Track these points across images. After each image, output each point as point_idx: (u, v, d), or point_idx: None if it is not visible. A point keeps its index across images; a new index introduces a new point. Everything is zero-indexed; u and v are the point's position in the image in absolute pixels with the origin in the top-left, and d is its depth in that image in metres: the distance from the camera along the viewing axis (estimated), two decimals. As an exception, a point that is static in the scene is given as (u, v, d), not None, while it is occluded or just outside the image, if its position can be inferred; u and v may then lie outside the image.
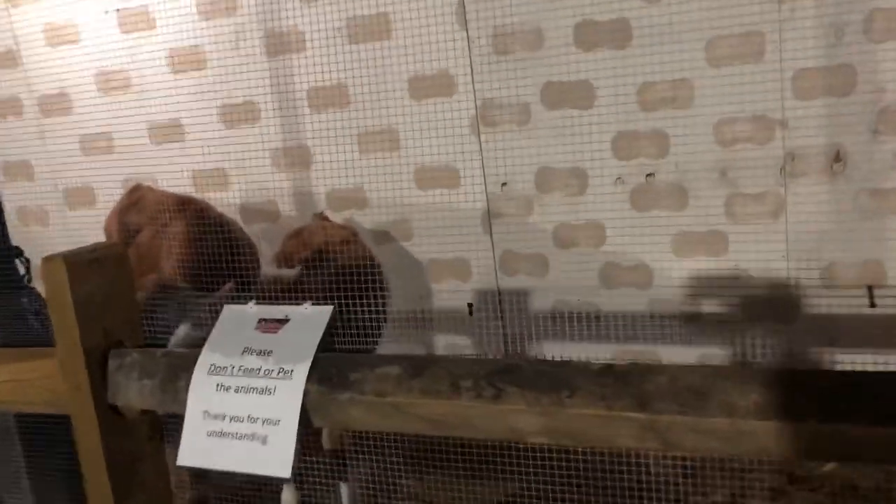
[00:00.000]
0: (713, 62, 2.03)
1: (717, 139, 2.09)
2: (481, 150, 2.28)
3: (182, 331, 1.63)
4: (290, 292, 1.79)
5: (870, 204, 2.01)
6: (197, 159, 2.53)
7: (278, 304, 0.92)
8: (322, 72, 2.27)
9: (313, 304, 0.91)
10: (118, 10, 2.55)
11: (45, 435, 1.14)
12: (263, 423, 0.84)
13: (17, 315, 1.12)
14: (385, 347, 2.18)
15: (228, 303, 1.00)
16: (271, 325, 0.90)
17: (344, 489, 1.83)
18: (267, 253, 2.22)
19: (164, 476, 1.03)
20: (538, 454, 1.31)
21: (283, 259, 1.87)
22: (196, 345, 0.98)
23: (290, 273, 1.76)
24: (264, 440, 0.84)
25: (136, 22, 2.54)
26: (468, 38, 2.20)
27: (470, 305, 2.18)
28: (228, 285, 1.69)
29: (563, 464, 1.24)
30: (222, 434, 0.86)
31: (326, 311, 0.89)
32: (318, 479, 1.69)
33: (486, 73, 2.20)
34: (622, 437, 0.73)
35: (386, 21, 2.26)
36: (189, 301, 1.47)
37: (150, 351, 0.96)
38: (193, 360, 0.92)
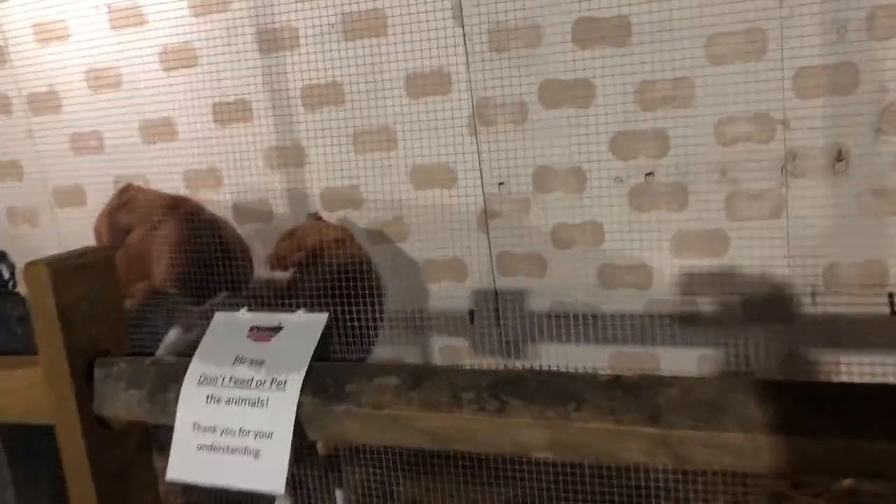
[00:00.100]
0: (714, 60, 2.00)
1: (717, 138, 2.06)
2: (478, 149, 2.25)
3: (173, 335, 1.60)
4: (284, 295, 1.76)
5: (872, 204, 1.99)
6: (189, 158, 2.49)
7: (271, 311, 0.88)
8: (316, 69, 2.23)
9: (307, 311, 0.87)
10: (109, 5, 2.51)
11: (30, 446, 1.10)
12: (255, 436, 0.81)
13: (0, 321, 1.08)
14: (381, 349, 2.16)
15: (220, 309, 0.96)
16: (264, 334, 0.86)
17: (339, 495, 1.80)
18: (260, 253, 2.19)
19: (153, 489, 0.99)
20: (537, 460, 1.28)
21: (277, 260, 1.84)
22: (187, 349, 0.95)
23: (283, 276, 1.73)
24: (256, 454, 0.80)
25: (127, 17, 2.50)
26: (465, 35, 2.17)
27: (471, 313, 2.14)
28: (222, 295, 1.66)
29: (562, 468, 1.22)
30: (213, 448, 0.82)
31: (321, 318, 0.85)
32: (313, 486, 1.66)
33: (484, 70, 2.17)
34: (631, 451, 0.70)
35: (381, 17, 2.22)
36: (180, 309, 1.43)
37: (137, 360, 0.93)
38: (183, 369, 0.89)
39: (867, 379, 1.90)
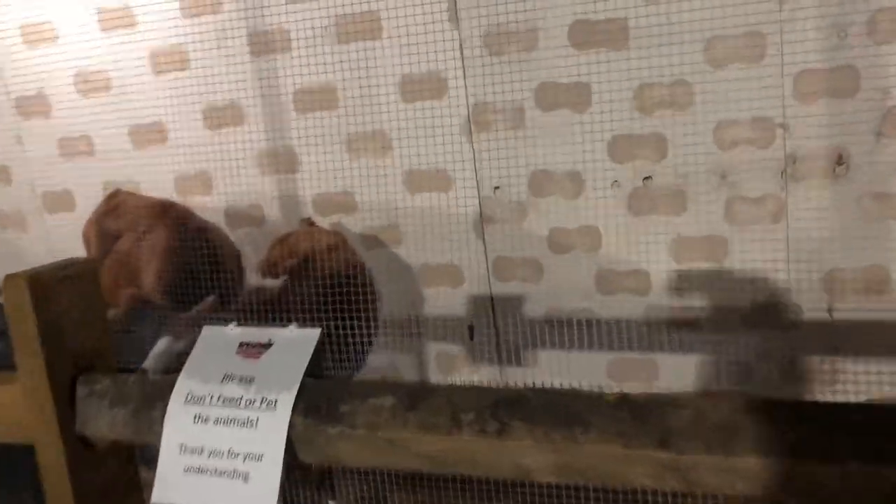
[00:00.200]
0: (713, 63, 1.98)
1: (716, 142, 2.04)
2: (474, 153, 2.22)
3: (161, 345, 1.56)
4: (276, 303, 1.73)
5: (873, 208, 1.96)
6: (180, 162, 2.46)
7: (261, 326, 0.85)
8: (309, 73, 2.20)
9: (299, 326, 0.84)
10: (98, 7, 2.47)
11: (11, 465, 1.06)
12: (245, 458, 0.77)
13: (-20, 336, 1.04)
14: (375, 356, 2.12)
15: (208, 321, 0.92)
16: (253, 350, 0.83)
17: (333, 507, 1.76)
18: (252, 259, 2.15)
19: (140, 510, 0.95)
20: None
21: (268, 267, 1.80)
22: (176, 360, 0.91)
23: (275, 283, 1.69)
24: (246, 477, 0.77)
25: (116, 19, 2.46)
26: (460, 37, 2.14)
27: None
28: (211, 298, 1.62)
29: (566, 489, 1.18)
30: (200, 470, 0.79)
31: (313, 334, 0.82)
32: (304, 498, 1.62)
33: (479, 74, 2.14)
34: (639, 476, 0.66)
35: (376, 20, 2.19)
36: (168, 317, 1.39)
37: (122, 377, 0.89)
38: (169, 387, 0.85)
39: (869, 387, 1.88)
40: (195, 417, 0.80)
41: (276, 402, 0.77)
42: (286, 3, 2.19)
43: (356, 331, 1.72)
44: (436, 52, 2.12)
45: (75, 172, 2.62)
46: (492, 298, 2.32)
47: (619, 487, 0.82)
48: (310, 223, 2.23)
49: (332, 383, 0.79)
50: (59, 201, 2.71)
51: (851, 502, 0.59)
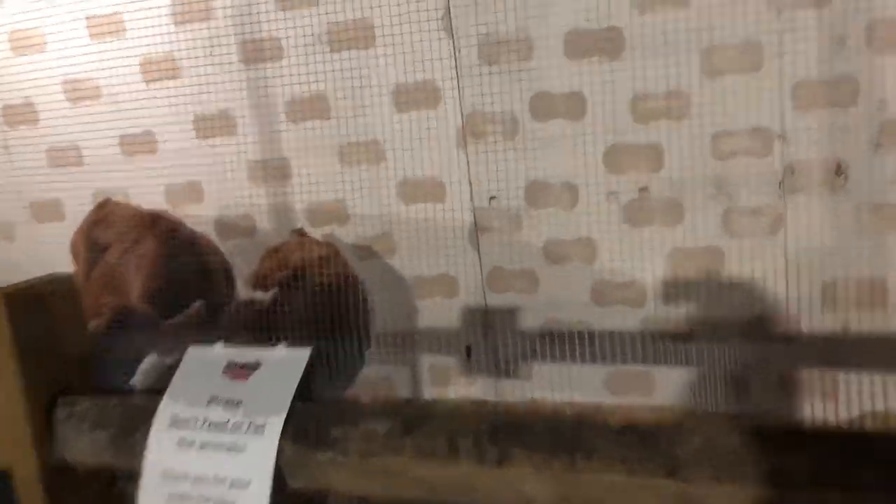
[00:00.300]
0: (709, 73, 1.96)
1: (713, 152, 2.02)
2: (468, 162, 2.19)
3: (151, 360, 1.52)
4: (266, 315, 1.69)
5: (871, 219, 1.95)
6: (170, 172, 2.42)
7: (249, 345, 0.81)
8: (301, 82, 2.17)
9: (288, 345, 0.80)
10: (87, 14, 2.44)
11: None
12: (231, 485, 0.74)
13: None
14: (368, 368, 2.09)
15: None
16: (241, 371, 0.79)
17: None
18: (243, 270, 2.12)
19: (122, 537, 0.91)
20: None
21: (259, 280, 1.76)
22: (165, 374, 0.87)
23: (265, 296, 1.66)
24: (232, 506, 0.73)
25: (105, 26, 2.43)
26: (455, 46, 2.12)
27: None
28: (197, 304, 1.58)
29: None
30: (184, 498, 0.75)
31: (303, 354, 0.78)
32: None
33: (474, 84, 2.12)
34: (646, 506, 0.63)
35: (369, 28, 2.17)
36: (153, 328, 1.35)
37: (103, 398, 0.85)
38: (153, 409, 0.81)
39: (868, 401, 1.86)
40: (180, 442, 0.77)
41: (264, 426, 0.73)
42: (278, 11, 2.17)
43: (347, 344, 1.68)
44: (430, 60, 2.10)
45: (64, 182, 2.59)
46: (486, 309, 2.29)
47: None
48: (301, 234, 2.19)
49: (322, 406, 0.75)
50: (48, 210, 2.67)
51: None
